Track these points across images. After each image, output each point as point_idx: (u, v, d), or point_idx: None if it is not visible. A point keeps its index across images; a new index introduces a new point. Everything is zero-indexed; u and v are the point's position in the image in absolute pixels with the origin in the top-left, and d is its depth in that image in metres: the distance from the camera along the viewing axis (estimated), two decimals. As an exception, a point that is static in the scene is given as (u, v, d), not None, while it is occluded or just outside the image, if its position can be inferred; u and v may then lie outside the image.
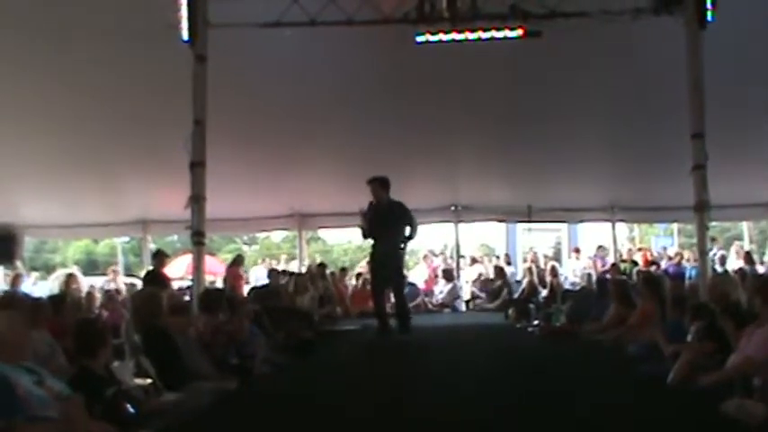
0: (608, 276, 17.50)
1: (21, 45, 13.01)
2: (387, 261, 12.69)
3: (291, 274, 19.23)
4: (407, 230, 12.67)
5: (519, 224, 24.18)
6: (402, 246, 12.78)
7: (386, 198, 12.66)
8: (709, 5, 11.33)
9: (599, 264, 20.80)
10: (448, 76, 14.47)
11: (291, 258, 20.50)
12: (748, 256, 19.67)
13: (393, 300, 13.34)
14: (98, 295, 15.55)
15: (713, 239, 20.82)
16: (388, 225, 12.52)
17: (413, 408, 7.07)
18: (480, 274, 20.96)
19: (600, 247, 21.96)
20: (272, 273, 17.74)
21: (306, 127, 15.94)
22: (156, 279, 13.67)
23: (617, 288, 12.24)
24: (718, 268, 17.99)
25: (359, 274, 21.04)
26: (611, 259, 20.83)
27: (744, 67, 13.57)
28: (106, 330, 6.71)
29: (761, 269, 18.82)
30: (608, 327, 11.68)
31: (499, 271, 20.49)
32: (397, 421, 6.64)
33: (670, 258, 21.86)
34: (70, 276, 16.00)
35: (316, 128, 16.05)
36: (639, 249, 23.65)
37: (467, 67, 14.00)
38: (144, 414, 6.14)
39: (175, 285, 17.16)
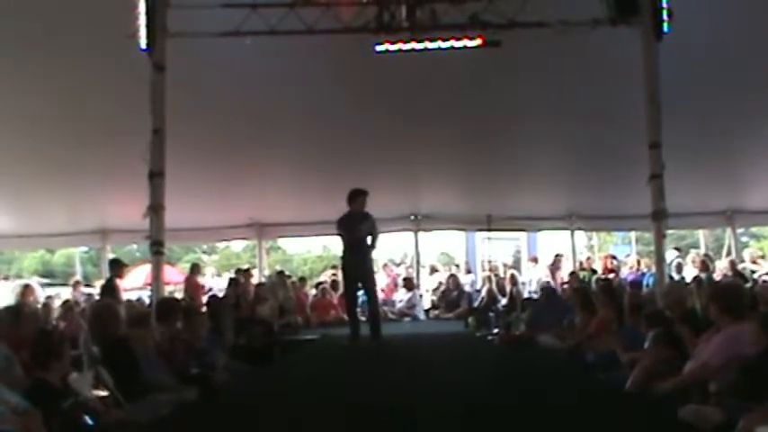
0: (560, 287, 17.72)
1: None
2: (359, 269, 13.24)
3: (246, 270, 19.32)
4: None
5: (478, 233, 24.20)
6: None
7: (359, 209, 13.23)
8: (665, 17, 11.47)
9: (558, 273, 20.87)
10: (408, 86, 14.52)
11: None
12: (704, 264, 19.85)
13: (367, 307, 13.70)
14: (55, 306, 15.41)
15: (679, 250, 21.11)
16: (360, 235, 13.10)
17: (374, 416, 7.07)
18: (440, 283, 21.03)
19: (558, 255, 22.03)
20: (233, 281, 17.67)
21: (266, 136, 15.92)
22: (112, 290, 13.59)
23: (579, 296, 12.26)
24: (675, 276, 18.13)
25: (319, 284, 21.01)
26: (569, 268, 20.95)
27: (699, 77, 13.73)
28: (63, 342, 6.64)
29: (716, 276, 18.97)
30: (572, 334, 11.74)
31: (454, 281, 20.59)
32: (359, 429, 6.65)
33: (630, 267, 21.97)
34: (27, 287, 15.82)
35: (275, 137, 16.03)
36: (606, 257, 23.72)
37: (426, 77, 14.05)
38: (102, 426, 6.09)
39: (133, 296, 17.01)
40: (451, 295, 20.05)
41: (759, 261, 20.09)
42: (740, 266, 19.09)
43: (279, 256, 45.92)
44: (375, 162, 16.93)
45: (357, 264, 13.22)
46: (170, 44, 11.73)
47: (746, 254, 21.62)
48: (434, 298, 20.68)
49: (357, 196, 13.19)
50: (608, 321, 10.45)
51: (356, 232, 13.12)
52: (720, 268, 19.59)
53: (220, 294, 16.59)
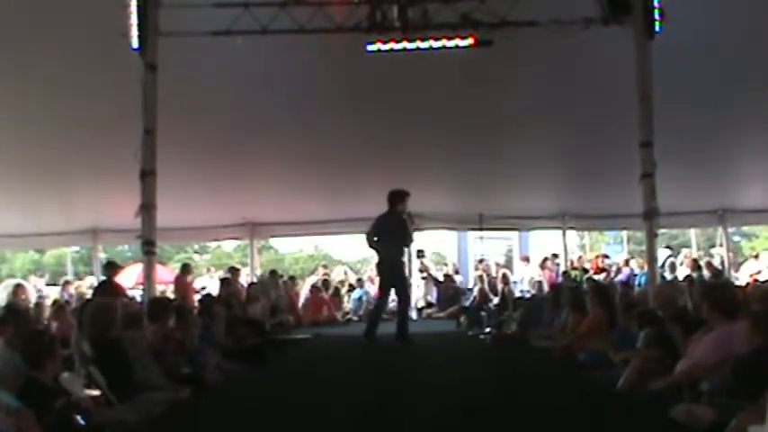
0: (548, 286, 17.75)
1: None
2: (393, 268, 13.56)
3: (235, 269, 19.31)
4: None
5: (470, 232, 24.24)
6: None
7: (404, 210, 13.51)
8: (656, 16, 11.47)
9: (551, 275, 20.88)
10: (399, 86, 14.49)
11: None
12: (695, 263, 19.95)
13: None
14: (47, 304, 15.40)
15: (670, 248, 21.25)
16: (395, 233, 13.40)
17: (368, 415, 7.06)
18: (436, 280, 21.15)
19: (554, 255, 22.05)
20: (224, 281, 17.65)
21: (258, 136, 15.88)
22: (110, 290, 13.53)
23: (571, 296, 12.27)
24: (668, 275, 18.19)
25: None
26: (558, 267, 21.02)
27: (690, 76, 13.74)
28: (55, 341, 6.63)
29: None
30: (564, 334, 11.74)
31: (449, 279, 20.64)
32: (353, 429, 6.65)
33: (620, 267, 21.99)
34: (18, 287, 15.77)
35: (268, 137, 15.98)
36: (598, 256, 23.82)
37: (419, 77, 14.02)
38: (94, 425, 6.07)
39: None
40: (448, 292, 20.11)
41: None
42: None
43: (270, 255, 45.92)
44: (367, 161, 16.93)
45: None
46: (162, 44, 11.70)
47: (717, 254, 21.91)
48: (429, 289, 20.77)
49: (405, 197, 13.48)
50: (599, 321, 10.47)
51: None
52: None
53: (213, 294, 16.56)
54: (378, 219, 13.52)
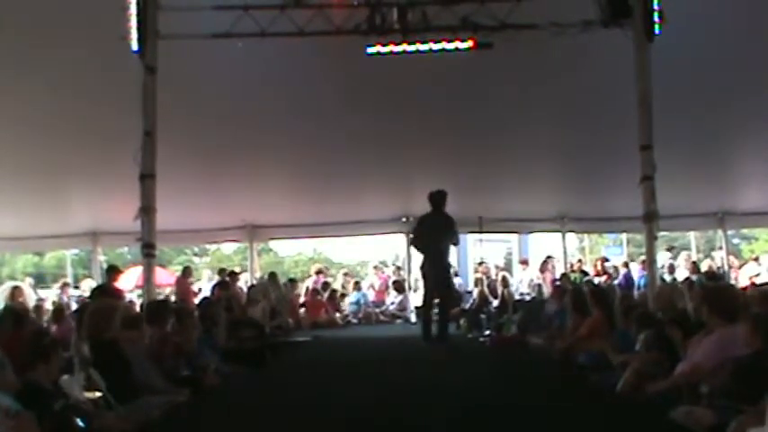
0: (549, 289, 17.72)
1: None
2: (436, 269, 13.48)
3: (234, 273, 19.29)
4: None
5: (470, 235, 24.26)
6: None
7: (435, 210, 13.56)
8: (656, 19, 11.46)
9: (549, 277, 20.86)
10: (399, 89, 14.48)
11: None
12: (695, 266, 19.94)
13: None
14: (47, 308, 15.37)
15: (673, 248, 21.26)
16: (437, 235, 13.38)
17: (367, 418, 7.05)
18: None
19: (549, 257, 22.01)
20: (223, 284, 17.63)
21: (257, 138, 15.87)
22: (108, 293, 13.51)
23: (572, 298, 12.24)
24: (667, 277, 18.18)
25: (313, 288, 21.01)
26: (560, 270, 20.96)
27: (690, 79, 13.73)
28: (55, 343, 6.61)
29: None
30: (563, 336, 11.73)
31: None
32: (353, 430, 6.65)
33: (617, 268, 21.95)
34: (16, 289, 15.76)
35: (267, 139, 15.98)
36: (598, 259, 23.78)
37: (418, 80, 14.01)
38: (94, 428, 6.06)
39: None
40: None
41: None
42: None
43: (270, 258, 45.88)
44: (367, 164, 16.93)
45: None
46: (161, 46, 11.70)
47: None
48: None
49: (446, 196, 13.58)
50: (599, 323, 10.46)
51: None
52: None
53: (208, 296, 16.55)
54: (421, 219, 13.57)
